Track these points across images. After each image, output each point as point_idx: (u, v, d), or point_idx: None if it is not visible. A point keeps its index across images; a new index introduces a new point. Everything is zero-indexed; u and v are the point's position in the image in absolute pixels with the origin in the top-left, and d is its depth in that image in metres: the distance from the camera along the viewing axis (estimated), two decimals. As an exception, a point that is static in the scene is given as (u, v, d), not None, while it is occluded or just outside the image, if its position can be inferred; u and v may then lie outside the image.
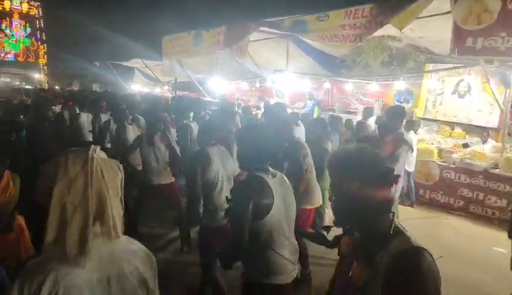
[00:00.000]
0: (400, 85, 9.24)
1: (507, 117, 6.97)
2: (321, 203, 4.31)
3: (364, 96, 11.14)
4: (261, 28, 7.48)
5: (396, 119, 5.01)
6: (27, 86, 24.45)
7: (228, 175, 3.66)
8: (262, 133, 2.33)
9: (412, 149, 5.64)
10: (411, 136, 7.01)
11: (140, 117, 6.74)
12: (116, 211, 1.27)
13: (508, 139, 7.14)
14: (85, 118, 7.42)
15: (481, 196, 6.37)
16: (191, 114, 6.38)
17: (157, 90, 18.94)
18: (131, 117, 6.18)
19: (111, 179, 1.28)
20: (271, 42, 9.16)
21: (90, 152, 1.25)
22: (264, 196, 2.10)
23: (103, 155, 1.32)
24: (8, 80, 25.86)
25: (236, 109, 9.40)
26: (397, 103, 10.16)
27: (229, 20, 8.29)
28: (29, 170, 3.28)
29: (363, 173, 1.32)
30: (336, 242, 1.89)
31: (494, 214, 6.21)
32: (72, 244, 1.17)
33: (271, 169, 2.25)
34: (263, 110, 8.64)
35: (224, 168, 3.60)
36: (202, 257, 3.45)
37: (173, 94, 14.94)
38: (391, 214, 1.36)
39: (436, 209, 6.85)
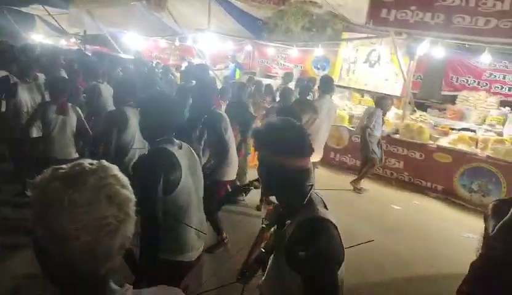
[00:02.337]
0: (318, 51, 9.52)
1: (409, 87, 7.66)
2: (235, 176, 4.21)
3: (284, 61, 11.31)
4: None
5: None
6: None
7: (144, 143, 3.45)
8: (167, 103, 2.18)
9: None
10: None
11: (38, 74, 5.86)
12: None
13: (408, 108, 7.89)
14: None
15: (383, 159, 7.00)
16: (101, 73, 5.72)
17: (63, 43, 16.97)
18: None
19: None
20: (192, -1, 8.69)
21: None
22: (173, 170, 1.99)
23: None
24: None
25: (155, 69, 8.87)
26: (314, 69, 10.52)
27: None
28: None
29: (286, 146, 1.36)
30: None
31: (392, 174, 6.90)
32: None
33: (175, 140, 2.13)
34: (183, 70, 8.29)
35: (140, 136, 3.37)
36: None
37: (82, 47, 13.54)
38: (309, 185, 1.41)
39: (343, 171, 7.38)
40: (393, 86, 8.44)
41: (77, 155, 4.14)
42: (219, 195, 4.00)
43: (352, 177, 6.56)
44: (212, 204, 3.58)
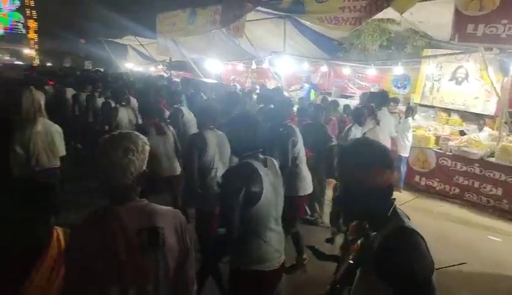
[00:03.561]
0: (398, 70, 9.12)
1: (505, 105, 6.93)
2: (311, 190, 4.23)
3: (361, 80, 11.01)
4: (258, 8, 7.28)
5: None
6: (17, 62, 23.88)
7: (224, 161, 3.60)
8: (253, 121, 2.32)
9: None
10: (409, 122, 7.01)
11: (132, 98, 6.57)
12: None
13: (504, 128, 7.12)
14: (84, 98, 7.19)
15: (476, 184, 6.38)
16: (183, 97, 6.21)
17: (152, 69, 18.60)
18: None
19: None
20: (268, 23, 8.95)
21: None
22: (254, 184, 2.09)
23: None
24: (-2, 55, 25.28)
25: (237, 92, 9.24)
26: (394, 88, 10.08)
27: (226, -1, 8.05)
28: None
29: (374, 162, 1.40)
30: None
31: (489, 202, 6.24)
32: None
33: (261, 156, 2.24)
34: (258, 93, 8.53)
35: (220, 154, 3.54)
36: (199, 241, 3.42)
37: (168, 74, 14.70)
38: (393, 198, 1.46)
39: (430, 196, 6.87)
40: (485, 104, 7.72)
41: (180, 171, 4.46)
42: (298, 211, 4.02)
43: (440, 203, 6.07)
44: (291, 221, 3.63)
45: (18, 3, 39.10)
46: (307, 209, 4.45)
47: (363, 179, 1.39)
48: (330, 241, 4.32)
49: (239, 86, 11.63)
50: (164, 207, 1.62)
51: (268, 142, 3.91)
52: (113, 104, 5.87)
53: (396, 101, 7.76)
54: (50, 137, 3.65)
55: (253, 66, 12.55)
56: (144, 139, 1.59)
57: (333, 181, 5.10)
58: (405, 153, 6.91)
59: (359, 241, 1.54)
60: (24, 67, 14.21)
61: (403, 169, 7.02)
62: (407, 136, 6.91)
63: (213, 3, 8.50)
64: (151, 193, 4.53)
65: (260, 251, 2.17)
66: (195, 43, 11.63)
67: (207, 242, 3.30)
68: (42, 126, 3.61)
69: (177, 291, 1.59)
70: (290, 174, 3.88)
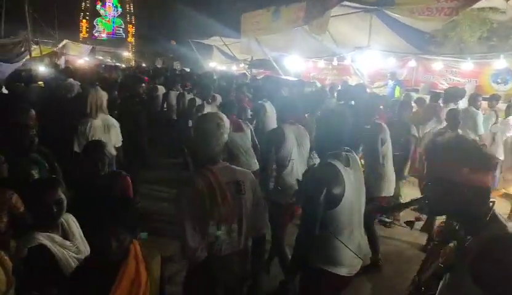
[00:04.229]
0: (499, 63, 8.18)
1: None
2: (393, 192, 4.11)
3: (454, 75, 10.12)
4: (344, 2, 7.10)
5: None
6: (118, 64, 26.59)
7: (303, 155, 3.61)
8: (337, 119, 2.28)
9: None
10: (510, 122, 6.28)
11: (216, 95, 6.92)
12: None
13: None
14: (173, 96, 7.70)
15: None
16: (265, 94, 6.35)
17: (234, 68, 19.27)
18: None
19: None
20: (354, 17, 8.67)
21: None
22: (336, 184, 2.06)
23: None
24: (101, 57, 28.31)
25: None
26: (493, 84, 9.09)
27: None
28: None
29: (469, 159, 1.33)
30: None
31: None
32: None
33: (345, 156, 2.20)
34: (339, 90, 8.35)
35: (299, 148, 3.56)
36: (272, 231, 3.51)
37: (249, 72, 15.10)
38: (491, 202, 1.36)
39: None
40: None
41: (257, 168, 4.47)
42: (377, 212, 3.93)
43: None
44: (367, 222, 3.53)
45: (120, 10, 43.36)
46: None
47: (455, 174, 1.33)
48: (410, 224, 4.13)
49: (318, 84, 11.49)
50: (239, 168, 2.19)
51: (352, 141, 3.84)
52: (199, 101, 6.25)
53: (496, 98, 6.99)
54: (107, 129, 4.16)
55: (335, 63, 12.30)
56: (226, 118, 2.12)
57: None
58: (500, 155, 6.21)
59: (451, 244, 1.45)
60: (121, 69, 15.91)
61: (496, 173, 6.30)
62: (507, 137, 6.19)
63: (297, 0, 8.51)
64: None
65: (337, 254, 2.15)
66: (277, 40, 11.77)
67: (280, 228, 3.40)
68: (102, 121, 4.14)
69: (254, 229, 2.12)
70: (375, 174, 3.77)
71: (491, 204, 1.35)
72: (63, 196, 2.04)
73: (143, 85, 6.59)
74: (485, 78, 9.32)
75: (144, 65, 28.50)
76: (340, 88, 9.00)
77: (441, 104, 6.79)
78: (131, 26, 43.82)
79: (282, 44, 11.93)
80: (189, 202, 1.92)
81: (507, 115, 6.46)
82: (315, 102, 5.07)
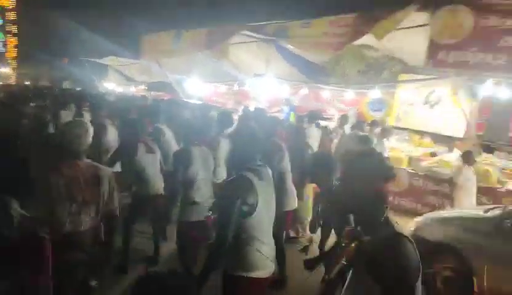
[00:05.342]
0: (375, 93, 9.53)
1: (473, 128, 7.37)
2: (295, 206, 4.37)
3: (339, 103, 11.41)
4: (243, 32, 7.53)
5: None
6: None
7: (209, 175, 3.72)
8: (250, 135, 2.46)
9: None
10: (384, 144, 7.32)
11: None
12: None
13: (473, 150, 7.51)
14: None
15: (446, 203, 6.65)
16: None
17: (132, 90, 18.56)
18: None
19: None
20: (253, 45, 9.20)
21: None
22: (249, 195, 2.19)
23: None
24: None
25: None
26: (370, 112, 10.50)
27: (212, 21, 8.28)
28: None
29: (374, 169, 1.60)
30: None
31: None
32: None
33: (257, 169, 2.34)
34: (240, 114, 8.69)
35: (204, 168, 3.66)
36: (179, 252, 3.49)
37: (149, 94, 14.73)
38: (386, 206, 1.60)
39: (400, 215, 7.05)
40: (455, 127, 8.16)
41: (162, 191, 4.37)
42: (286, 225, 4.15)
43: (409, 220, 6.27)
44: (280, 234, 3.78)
45: (0, 21, 38.38)
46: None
47: (362, 180, 1.57)
48: (304, 250, 4.44)
49: (223, 108, 11.78)
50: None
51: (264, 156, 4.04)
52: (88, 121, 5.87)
53: (375, 123, 8.09)
54: None
55: (235, 88, 12.76)
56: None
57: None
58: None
59: (352, 244, 1.70)
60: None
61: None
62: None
63: (197, 26, 8.71)
64: (140, 215, 4.48)
65: (253, 259, 2.26)
66: (178, 63, 11.75)
67: (186, 253, 3.40)
68: None
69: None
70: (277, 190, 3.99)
71: (386, 208, 1.61)
72: None
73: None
74: (363, 105, 10.72)
75: (27, 83, 25.59)
76: (240, 112, 9.39)
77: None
78: (12, 39, 38.95)
79: (183, 67, 11.95)
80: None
81: (381, 138, 7.53)
82: (219, 124, 5.21)
